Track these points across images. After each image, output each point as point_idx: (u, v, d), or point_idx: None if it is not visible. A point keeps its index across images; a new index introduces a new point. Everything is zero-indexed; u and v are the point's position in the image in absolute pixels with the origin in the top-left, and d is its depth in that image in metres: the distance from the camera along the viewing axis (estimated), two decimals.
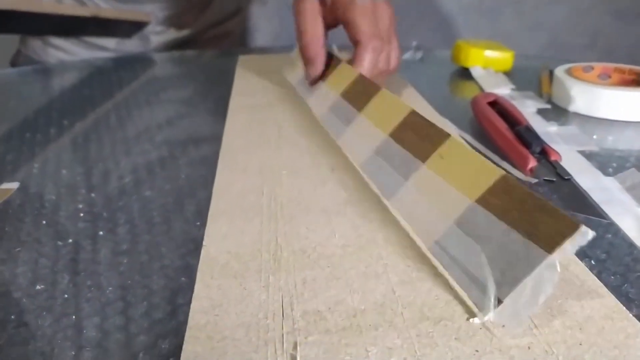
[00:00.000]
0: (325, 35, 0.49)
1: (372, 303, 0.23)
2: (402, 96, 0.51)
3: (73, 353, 0.22)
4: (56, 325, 0.23)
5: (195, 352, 0.21)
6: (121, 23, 0.59)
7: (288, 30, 0.55)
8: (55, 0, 0.60)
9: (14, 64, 0.81)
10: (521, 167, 0.36)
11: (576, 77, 0.48)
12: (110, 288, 0.25)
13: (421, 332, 0.21)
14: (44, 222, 0.31)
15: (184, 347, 0.21)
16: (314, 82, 0.48)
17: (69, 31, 0.64)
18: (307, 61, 0.47)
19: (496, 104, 0.44)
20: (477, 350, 0.20)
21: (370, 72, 0.45)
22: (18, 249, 0.29)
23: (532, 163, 0.35)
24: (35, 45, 0.78)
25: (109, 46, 0.77)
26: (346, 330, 0.22)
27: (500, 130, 0.39)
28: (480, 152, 0.39)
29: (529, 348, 0.20)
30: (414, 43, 0.70)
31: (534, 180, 0.34)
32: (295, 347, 0.21)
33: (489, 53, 0.59)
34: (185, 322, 0.22)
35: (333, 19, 0.48)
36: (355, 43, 0.46)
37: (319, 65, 0.47)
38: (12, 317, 0.24)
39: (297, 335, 0.21)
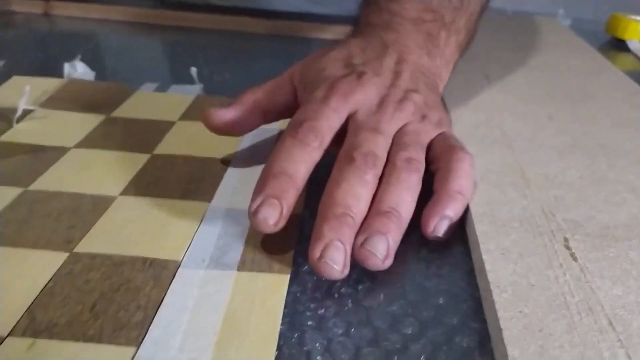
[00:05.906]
0: None
1: (620, 222, 0.28)
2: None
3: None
4: None
5: (484, 230, 0.27)
6: None
7: None
8: None
9: None
10: None
11: None
12: None
13: None
14: None
15: (476, 227, 0.27)
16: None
17: None
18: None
19: None
20: None
21: None
22: None
23: None
24: None
25: None
26: (604, 237, 0.27)
27: None
28: None
29: None
30: (560, 11, 0.71)
31: None
32: (567, 240, 0.26)
33: None
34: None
35: None
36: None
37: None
38: None
39: (564, 233, 0.27)
